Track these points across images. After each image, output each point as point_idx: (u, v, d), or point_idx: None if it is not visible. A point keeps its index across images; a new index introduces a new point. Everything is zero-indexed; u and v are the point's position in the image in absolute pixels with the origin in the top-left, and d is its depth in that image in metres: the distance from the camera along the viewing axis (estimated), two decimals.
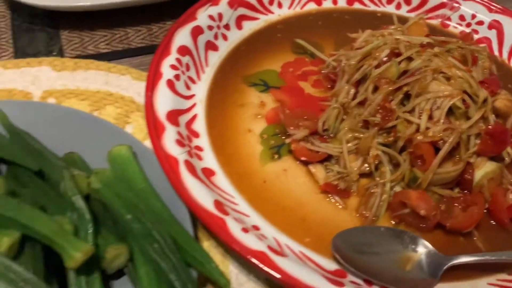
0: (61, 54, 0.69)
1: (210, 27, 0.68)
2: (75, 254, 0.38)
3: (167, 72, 0.59)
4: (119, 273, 0.44)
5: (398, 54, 0.58)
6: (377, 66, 0.58)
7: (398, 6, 0.79)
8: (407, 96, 0.56)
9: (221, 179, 0.53)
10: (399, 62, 0.57)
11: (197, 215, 0.46)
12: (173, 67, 0.60)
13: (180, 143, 0.53)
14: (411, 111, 0.54)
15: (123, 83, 0.65)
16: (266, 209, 0.51)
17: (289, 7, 0.76)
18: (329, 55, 0.69)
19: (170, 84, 0.59)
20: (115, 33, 0.72)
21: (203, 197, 0.47)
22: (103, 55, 0.69)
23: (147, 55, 0.71)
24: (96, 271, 0.41)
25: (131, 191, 0.46)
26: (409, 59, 0.58)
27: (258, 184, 0.54)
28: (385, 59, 0.58)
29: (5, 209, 0.39)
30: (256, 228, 0.48)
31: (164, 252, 0.41)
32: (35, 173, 0.48)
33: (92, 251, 0.39)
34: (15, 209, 0.39)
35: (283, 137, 0.59)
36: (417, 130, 0.53)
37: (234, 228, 0.45)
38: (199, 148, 0.56)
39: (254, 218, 0.50)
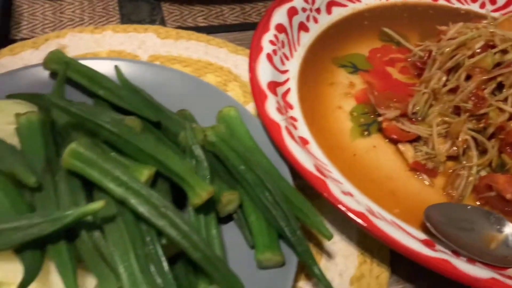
0: (163, 24, 0.74)
1: (303, 9, 0.71)
2: (201, 193, 0.43)
3: (266, 46, 0.63)
4: (227, 219, 0.48)
5: (492, 46, 0.60)
6: (470, 56, 0.60)
7: (482, 5, 0.81)
8: (499, 86, 0.58)
9: (314, 148, 0.57)
10: (494, 54, 0.59)
11: (301, 174, 0.49)
12: (272, 42, 0.64)
13: (279, 111, 0.57)
14: (504, 100, 0.56)
15: (221, 55, 0.69)
16: (356, 180, 0.54)
17: None
18: (415, 45, 0.71)
19: (269, 57, 0.63)
20: (212, 9, 0.77)
21: (304, 160, 0.51)
22: (201, 29, 0.74)
23: (240, 32, 0.75)
24: (213, 212, 0.46)
25: (242, 147, 0.50)
26: (503, 52, 0.60)
27: (349, 156, 0.57)
28: (478, 50, 0.60)
29: (145, 145, 0.44)
30: (350, 194, 0.52)
31: (275, 201, 0.45)
32: (152, 124, 0.53)
33: (213, 193, 0.44)
34: (153, 146, 0.44)
35: (372, 116, 0.62)
36: (509, 119, 0.55)
37: (334, 189, 0.49)
38: (293, 119, 0.59)
39: (347, 186, 0.53)
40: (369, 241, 0.51)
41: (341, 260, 0.49)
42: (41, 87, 0.56)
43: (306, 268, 0.44)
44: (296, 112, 0.61)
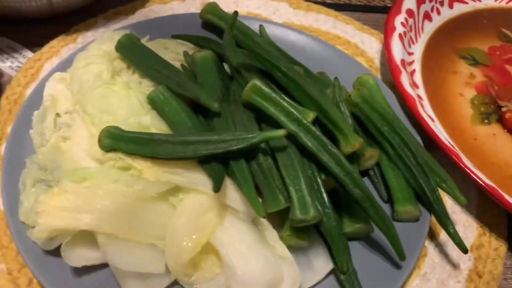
0: None
1: (430, 0, 0.75)
2: (354, 142, 0.47)
3: (399, 27, 0.67)
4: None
5: None
6: None
7: None
8: None
9: (439, 127, 0.60)
10: None
11: (437, 144, 0.53)
12: (403, 24, 0.68)
13: (411, 86, 0.60)
14: None
15: (348, 30, 0.73)
16: (477, 161, 0.57)
17: (495, 0, 0.82)
18: None
19: (401, 37, 0.66)
20: None
21: (436, 131, 0.55)
22: (327, 5, 0.78)
23: (363, 13, 0.79)
24: (356, 164, 0.50)
25: (384, 110, 0.54)
26: None
27: (469, 139, 0.61)
28: None
29: (311, 91, 0.48)
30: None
31: (417, 162, 0.49)
32: None
33: (363, 145, 0.48)
34: (317, 93, 0.48)
35: (492, 107, 0.65)
36: None
37: (467, 162, 0.52)
38: (420, 97, 0.63)
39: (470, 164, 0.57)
40: (488, 216, 0.54)
41: (461, 228, 0.52)
42: (194, 32, 0.62)
43: (441, 226, 0.48)
44: (421, 91, 0.64)
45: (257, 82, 0.46)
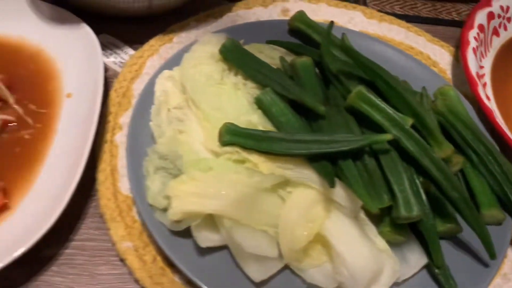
0: (365, 5, 0.82)
1: (499, 16, 0.78)
2: (446, 149, 0.51)
3: (472, 41, 0.71)
4: None
5: None
6: None
7: None
8: None
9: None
10: None
11: None
12: (475, 39, 0.72)
13: (486, 98, 0.64)
14: None
15: (420, 41, 0.77)
16: None
17: None
18: None
19: (474, 51, 0.70)
20: (406, 2, 0.85)
21: None
22: (398, 16, 0.82)
23: (432, 25, 0.83)
24: None
25: (468, 119, 0.57)
26: None
27: None
28: None
29: (410, 99, 0.52)
30: None
31: (502, 170, 0.53)
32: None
33: (453, 152, 0.52)
34: (414, 101, 0.52)
35: None
36: None
37: None
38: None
39: None
40: None
41: None
42: (280, 37, 0.66)
43: None
44: (493, 104, 0.68)
45: (362, 89, 0.50)
